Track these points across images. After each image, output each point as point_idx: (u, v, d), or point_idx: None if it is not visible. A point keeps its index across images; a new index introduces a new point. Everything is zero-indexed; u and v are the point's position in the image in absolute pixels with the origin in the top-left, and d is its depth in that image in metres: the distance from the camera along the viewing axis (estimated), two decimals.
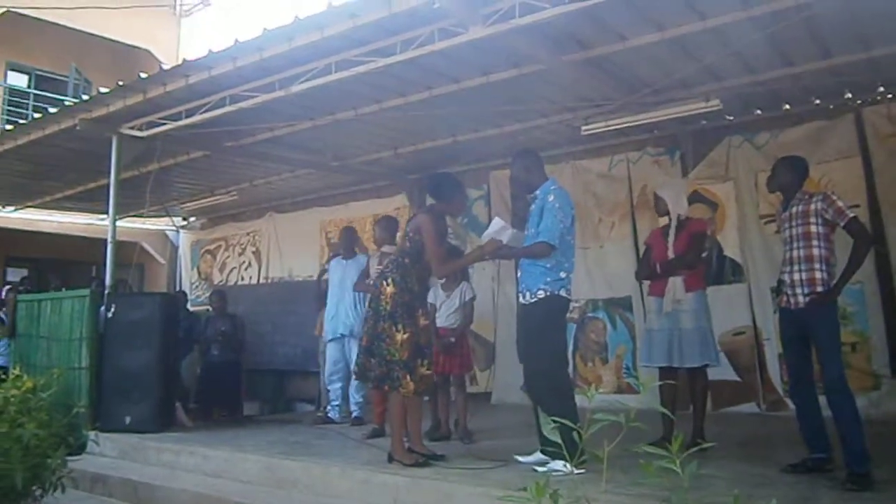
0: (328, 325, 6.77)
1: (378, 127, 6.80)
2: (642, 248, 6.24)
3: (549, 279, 4.23)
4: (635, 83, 5.62)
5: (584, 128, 6.41)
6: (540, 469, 3.93)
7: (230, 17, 13.42)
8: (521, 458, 4.27)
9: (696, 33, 4.60)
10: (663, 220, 5.01)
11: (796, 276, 4.00)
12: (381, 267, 5.37)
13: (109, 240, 6.64)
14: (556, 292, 4.25)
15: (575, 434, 1.87)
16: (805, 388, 4.04)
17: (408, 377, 4.35)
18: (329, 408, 6.87)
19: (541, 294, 4.23)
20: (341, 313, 6.66)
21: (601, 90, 5.80)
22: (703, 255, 5.35)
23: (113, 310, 6.30)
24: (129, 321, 6.27)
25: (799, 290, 3.99)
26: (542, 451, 4.18)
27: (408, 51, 4.58)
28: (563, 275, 4.29)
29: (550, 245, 4.19)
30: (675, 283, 4.69)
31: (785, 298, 4.09)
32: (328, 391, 7.02)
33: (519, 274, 4.49)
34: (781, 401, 6.22)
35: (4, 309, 8.18)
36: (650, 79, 5.49)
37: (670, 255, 4.76)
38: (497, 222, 4.49)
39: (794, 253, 4.04)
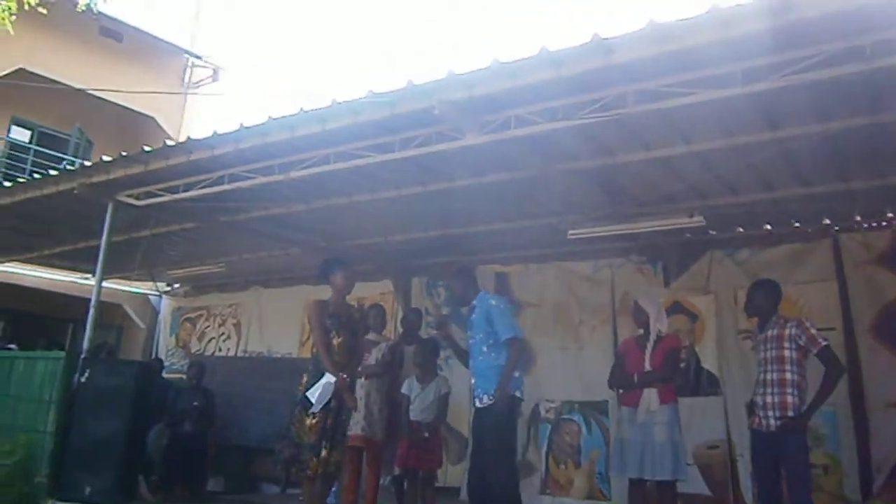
0: None
1: (370, 215, 6.94)
2: None
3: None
4: (622, 195, 5.82)
5: (570, 232, 6.57)
6: None
7: (235, 92, 13.82)
8: None
9: (681, 155, 4.82)
10: (640, 330, 5.10)
11: (769, 399, 4.09)
12: (368, 354, 5.57)
13: (93, 303, 6.60)
14: (512, 392, 4.32)
15: None
16: None
17: (314, 460, 4.61)
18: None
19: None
20: None
21: (588, 198, 6.00)
22: (681, 365, 5.45)
23: (87, 375, 6.23)
24: (101, 387, 6.20)
25: (770, 413, 4.06)
26: None
27: (405, 150, 4.76)
28: (517, 374, 4.37)
29: (519, 338, 4.41)
30: (650, 394, 4.75)
31: (757, 420, 4.16)
32: None
33: (473, 380, 4.61)
34: None
35: None
36: (636, 192, 5.69)
37: (647, 366, 4.83)
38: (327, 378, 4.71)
39: (768, 376, 4.13)
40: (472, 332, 4.61)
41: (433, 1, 30.48)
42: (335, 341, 4.90)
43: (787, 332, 4.15)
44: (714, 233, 6.87)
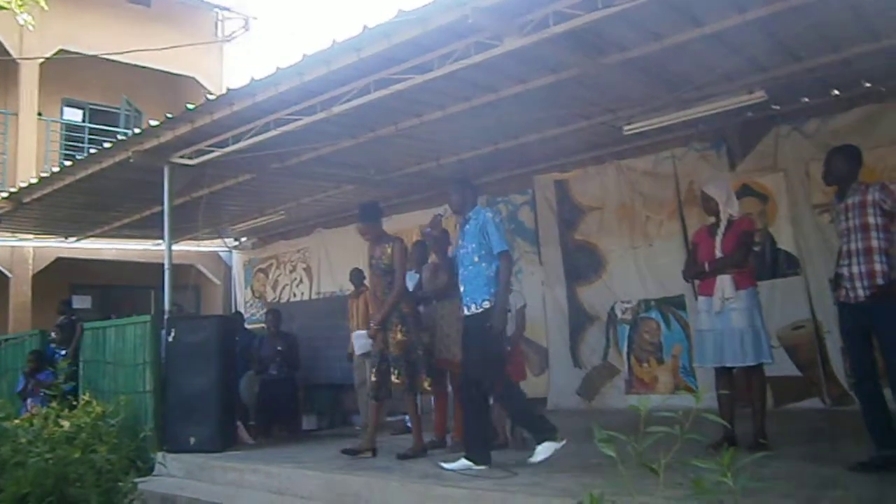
0: None
1: (419, 140, 6.86)
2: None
3: (493, 290, 4.51)
4: (676, 80, 5.54)
5: (626, 128, 6.35)
6: (447, 465, 4.41)
7: (269, 40, 13.71)
8: (445, 465, 4.52)
9: (736, 27, 4.52)
10: (712, 218, 4.93)
11: (855, 270, 3.91)
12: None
13: (166, 266, 6.83)
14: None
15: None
16: (869, 383, 3.92)
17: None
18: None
19: (486, 304, 4.51)
20: None
21: (641, 90, 5.74)
22: (756, 248, 5.25)
23: (173, 334, 6.49)
24: (188, 344, 6.46)
25: (858, 284, 3.89)
26: (466, 458, 4.46)
27: (444, 66, 4.63)
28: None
29: (507, 252, 4.54)
30: (724, 281, 4.60)
31: (844, 292, 3.99)
32: None
33: (462, 288, 4.71)
34: (846, 395, 6.05)
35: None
36: (691, 75, 5.41)
37: (717, 253, 4.68)
38: None
39: (852, 245, 3.94)
40: (463, 241, 4.72)
41: None
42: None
43: (869, 197, 3.91)
44: (777, 107, 6.52)
